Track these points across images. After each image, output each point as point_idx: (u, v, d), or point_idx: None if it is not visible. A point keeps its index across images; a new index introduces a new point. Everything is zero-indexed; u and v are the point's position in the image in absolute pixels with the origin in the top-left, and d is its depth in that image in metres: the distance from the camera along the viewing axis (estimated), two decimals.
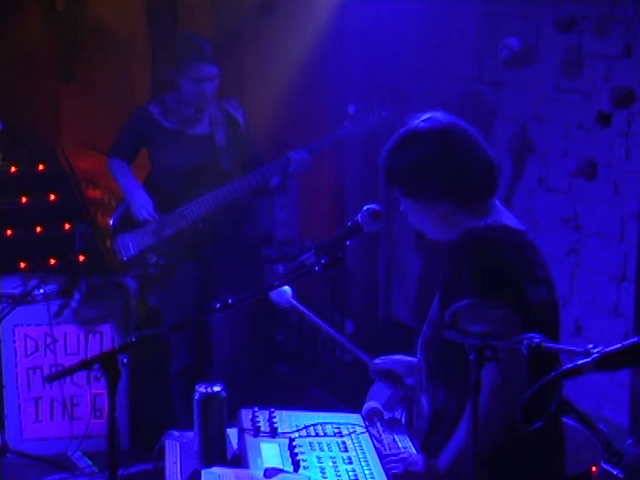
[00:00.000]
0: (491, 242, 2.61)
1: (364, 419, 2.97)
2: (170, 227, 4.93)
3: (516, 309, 2.52)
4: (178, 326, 3.20)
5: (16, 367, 5.28)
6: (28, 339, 5.27)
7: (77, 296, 5.32)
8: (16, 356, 5.27)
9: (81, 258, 5.37)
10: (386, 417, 3.05)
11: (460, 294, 2.54)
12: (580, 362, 2.05)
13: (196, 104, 4.91)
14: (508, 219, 2.72)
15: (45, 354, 5.28)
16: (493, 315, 2.49)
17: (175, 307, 5.02)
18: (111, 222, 5.11)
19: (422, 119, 2.72)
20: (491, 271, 2.56)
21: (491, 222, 2.66)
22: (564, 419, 2.86)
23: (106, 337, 5.31)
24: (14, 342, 5.26)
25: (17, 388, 5.29)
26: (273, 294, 3.16)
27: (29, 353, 5.28)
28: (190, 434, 2.90)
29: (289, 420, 2.90)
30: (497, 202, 2.75)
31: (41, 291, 5.25)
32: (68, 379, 5.21)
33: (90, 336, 5.29)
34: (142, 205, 4.94)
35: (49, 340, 5.27)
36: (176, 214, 4.92)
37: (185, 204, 4.89)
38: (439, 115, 2.73)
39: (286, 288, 3.21)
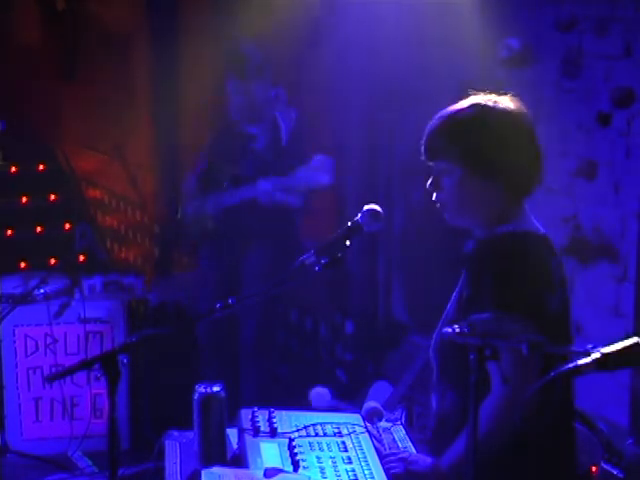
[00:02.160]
0: (513, 254, 2.60)
1: (364, 419, 2.97)
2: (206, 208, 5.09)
3: (535, 322, 2.51)
4: (180, 326, 3.20)
5: (16, 367, 5.28)
6: (28, 339, 5.27)
7: (77, 296, 5.32)
8: (16, 356, 5.27)
9: (81, 258, 5.37)
10: (386, 417, 3.05)
11: (480, 305, 2.53)
12: (580, 362, 2.05)
13: (242, 113, 5.06)
14: (531, 224, 2.71)
15: (45, 354, 5.28)
16: (512, 329, 2.48)
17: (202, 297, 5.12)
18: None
19: (493, 99, 2.72)
20: (513, 285, 2.55)
21: (513, 228, 2.66)
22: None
23: (106, 337, 5.31)
24: (14, 342, 5.26)
25: (17, 388, 5.29)
26: (312, 398, 3.13)
27: (29, 353, 5.28)
28: (190, 434, 2.90)
29: (289, 420, 2.90)
30: (525, 203, 2.75)
31: (41, 291, 5.25)
32: (68, 379, 5.21)
33: (90, 336, 5.29)
34: (192, 179, 5.21)
35: (49, 340, 5.27)
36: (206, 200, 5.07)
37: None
38: (508, 99, 2.74)
39: (322, 390, 3.17)
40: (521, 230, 2.67)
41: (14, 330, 5.25)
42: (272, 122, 5.05)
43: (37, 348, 5.28)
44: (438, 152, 2.70)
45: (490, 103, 2.71)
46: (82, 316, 5.24)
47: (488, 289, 2.55)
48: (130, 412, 5.33)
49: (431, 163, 2.73)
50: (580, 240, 4.58)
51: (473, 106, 2.70)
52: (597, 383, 4.18)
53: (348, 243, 2.81)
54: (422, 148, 2.73)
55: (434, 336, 2.76)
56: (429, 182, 2.73)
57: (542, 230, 2.74)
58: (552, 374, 2.07)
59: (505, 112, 2.69)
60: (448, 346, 2.63)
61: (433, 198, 2.73)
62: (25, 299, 5.14)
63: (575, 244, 4.60)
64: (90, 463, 5.20)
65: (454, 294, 2.72)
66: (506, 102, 2.73)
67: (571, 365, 2.06)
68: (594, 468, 3.68)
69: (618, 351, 2.05)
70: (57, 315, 5.24)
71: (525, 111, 2.74)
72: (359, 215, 2.84)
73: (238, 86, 4.98)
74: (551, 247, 2.72)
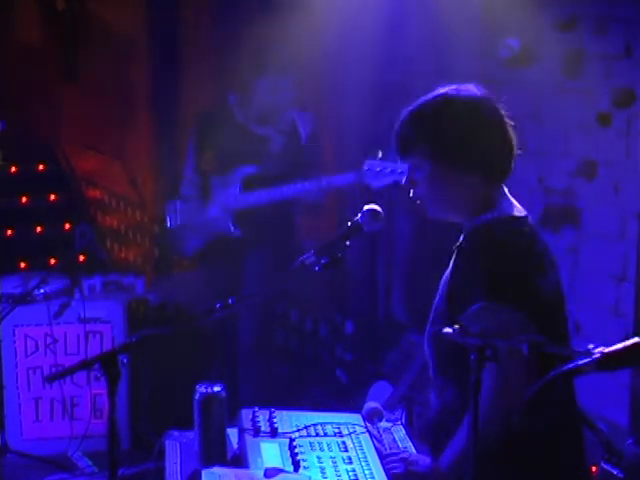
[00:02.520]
0: (500, 242, 2.59)
1: (364, 419, 2.97)
2: (210, 211, 5.05)
3: (528, 311, 2.51)
4: (181, 326, 3.19)
5: (16, 367, 5.28)
6: (28, 339, 5.27)
7: (77, 296, 5.32)
8: (16, 356, 5.27)
9: (81, 258, 5.37)
10: (386, 417, 3.05)
11: (471, 297, 2.53)
12: (580, 362, 2.05)
13: (266, 111, 4.99)
14: (512, 207, 2.70)
15: (45, 354, 5.28)
16: (505, 320, 2.48)
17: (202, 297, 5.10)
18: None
19: (455, 88, 2.70)
20: (502, 275, 2.54)
21: (498, 215, 2.64)
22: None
23: (106, 337, 5.31)
24: (14, 342, 5.25)
25: (17, 388, 5.29)
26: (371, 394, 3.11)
27: (29, 353, 5.28)
28: (190, 434, 2.90)
29: (289, 420, 2.90)
30: (504, 187, 2.74)
31: (41, 291, 5.24)
32: (68, 379, 5.20)
33: (90, 336, 5.29)
34: (187, 180, 5.13)
35: (49, 340, 5.26)
36: (215, 201, 5.03)
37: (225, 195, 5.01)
38: (472, 86, 2.72)
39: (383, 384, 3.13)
40: (504, 216, 2.65)
41: (14, 330, 5.25)
42: (291, 125, 5.03)
43: (37, 348, 5.28)
44: (408, 148, 2.71)
45: (453, 92, 2.69)
46: (82, 316, 5.24)
47: (478, 280, 2.54)
48: (130, 412, 5.33)
49: (404, 159, 2.73)
50: (580, 240, 4.58)
51: (436, 98, 2.69)
52: (597, 383, 4.18)
53: (348, 243, 2.81)
54: (393, 145, 2.74)
55: (427, 331, 2.75)
56: (404, 179, 2.73)
57: (524, 212, 2.72)
58: (552, 374, 2.07)
59: (468, 100, 2.67)
60: (442, 340, 2.63)
61: (411, 195, 2.74)
62: (25, 299, 5.14)
63: (575, 244, 4.60)
64: (90, 463, 5.20)
65: (441, 287, 2.71)
66: (469, 89, 2.70)
67: (571, 365, 2.06)
68: (594, 468, 3.68)
69: (618, 351, 2.05)
70: (57, 315, 5.24)
71: (489, 96, 2.71)
72: (359, 215, 2.84)
73: (269, 84, 4.92)
74: (533, 228, 2.71)
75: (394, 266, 5.84)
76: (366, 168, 4.61)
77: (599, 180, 4.44)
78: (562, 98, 4.55)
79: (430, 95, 2.71)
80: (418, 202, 2.73)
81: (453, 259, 2.67)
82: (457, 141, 2.64)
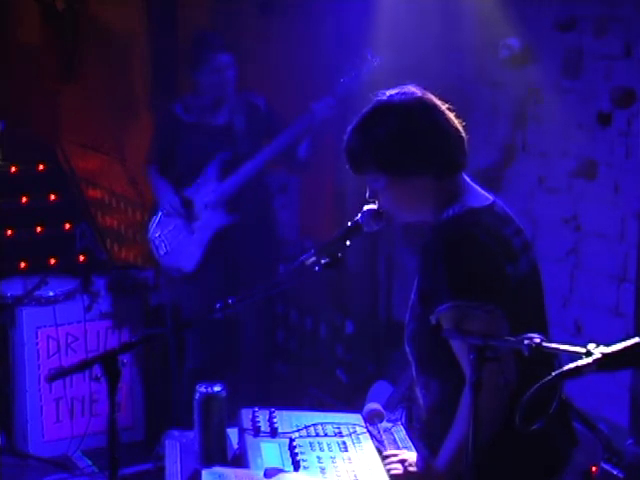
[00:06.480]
0: (461, 237, 2.58)
1: (365, 420, 2.97)
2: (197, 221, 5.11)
3: (498, 299, 2.52)
4: (179, 326, 3.20)
5: (38, 369, 5.22)
6: (50, 340, 5.22)
7: (102, 292, 5.33)
8: (38, 358, 5.21)
9: (81, 258, 5.37)
10: (386, 418, 3.05)
11: (439, 297, 2.54)
12: (581, 362, 2.05)
13: (217, 95, 5.04)
14: (474, 198, 2.68)
15: (67, 353, 5.25)
16: (474, 315, 2.49)
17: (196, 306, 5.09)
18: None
19: (393, 92, 2.69)
20: (466, 272, 2.54)
21: (458, 210, 2.63)
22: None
23: (124, 332, 5.32)
24: (37, 344, 5.20)
25: (39, 390, 5.23)
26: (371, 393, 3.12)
27: (51, 354, 5.23)
28: (190, 434, 2.90)
29: (289, 420, 2.90)
30: (465, 177, 2.73)
31: (50, 293, 5.21)
32: (86, 376, 5.16)
33: (109, 332, 5.29)
34: (170, 204, 5.09)
35: (70, 339, 5.24)
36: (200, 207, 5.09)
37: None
38: (409, 87, 2.71)
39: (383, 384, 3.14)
40: (464, 210, 2.63)
41: (37, 332, 5.19)
42: (246, 102, 5.12)
43: (59, 348, 5.23)
44: (358, 164, 2.71)
45: (386, 100, 2.68)
46: (100, 312, 5.29)
47: (443, 280, 2.54)
48: (146, 403, 5.35)
49: (359, 175, 2.73)
50: (580, 240, 4.58)
51: (370, 110, 2.68)
52: (597, 383, 4.19)
53: (348, 243, 2.81)
54: (346, 164, 2.74)
55: (406, 328, 2.75)
56: (367, 194, 2.74)
57: (489, 200, 2.71)
58: (553, 375, 2.07)
59: (402, 104, 2.66)
60: (422, 336, 2.64)
61: (376, 207, 2.75)
62: (48, 300, 5.16)
63: (575, 244, 4.60)
64: (90, 463, 5.19)
65: (415, 284, 2.71)
66: (404, 92, 2.69)
67: (572, 365, 2.06)
68: (594, 468, 3.69)
69: (619, 351, 2.05)
70: (88, 309, 5.22)
71: (425, 95, 2.71)
72: (359, 215, 2.83)
73: (211, 63, 5.00)
74: (501, 215, 2.69)
75: (394, 266, 5.84)
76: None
77: (599, 180, 4.44)
78: (562, 98, 4.55)
79: (367, 107, 2.70)
80: (384, 212, 2.74)
81: (420, 258, 2.67)
82: (398, 149, 2.63)
